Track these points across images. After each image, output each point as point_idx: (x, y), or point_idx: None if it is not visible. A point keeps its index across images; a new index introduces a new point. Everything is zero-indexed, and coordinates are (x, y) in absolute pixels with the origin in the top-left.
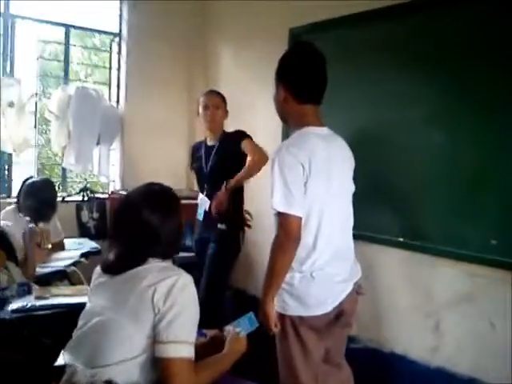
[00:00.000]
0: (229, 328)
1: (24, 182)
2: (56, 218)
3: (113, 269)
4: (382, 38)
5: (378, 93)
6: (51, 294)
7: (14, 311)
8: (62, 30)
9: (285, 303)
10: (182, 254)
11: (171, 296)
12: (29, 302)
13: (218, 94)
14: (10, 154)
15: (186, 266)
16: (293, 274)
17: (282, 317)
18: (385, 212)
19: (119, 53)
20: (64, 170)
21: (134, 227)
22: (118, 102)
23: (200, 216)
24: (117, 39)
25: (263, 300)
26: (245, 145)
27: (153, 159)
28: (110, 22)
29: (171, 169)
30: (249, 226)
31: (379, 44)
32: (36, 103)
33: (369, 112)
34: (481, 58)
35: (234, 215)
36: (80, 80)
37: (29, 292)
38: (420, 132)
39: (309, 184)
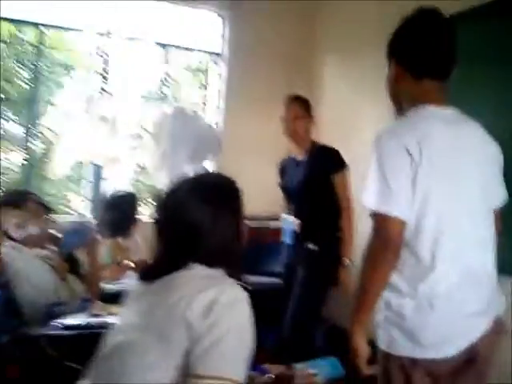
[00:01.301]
0: (301, 367)
1: (108, 195)
2: (137, 235)
3: (148, 274)
4: None
5: None
6: (108, 312)
7: (66, 327)
8: (161, 49)
9: (392, 338)
10: (264, 279)
11: (212, 313)
12: (84, 318)
13: (297, 100)
14: (99, 169)
15: (269, 292)
16: (403, 300)
17: (387, 357)
18: None
19: (220, 73)
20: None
21: (175, 223)
22: (216, 122)
23: (286, 237)
24: (216, 58)
25: (351, 329)
26: (338, 180)
27: (247, 180)
28: (207, 41)
29: (267, 190)
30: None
31: None
32: (132, 121)
33: None
34: None
35: (329, 232)
36: (178, 100)
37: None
38: None
39: (420, 177)
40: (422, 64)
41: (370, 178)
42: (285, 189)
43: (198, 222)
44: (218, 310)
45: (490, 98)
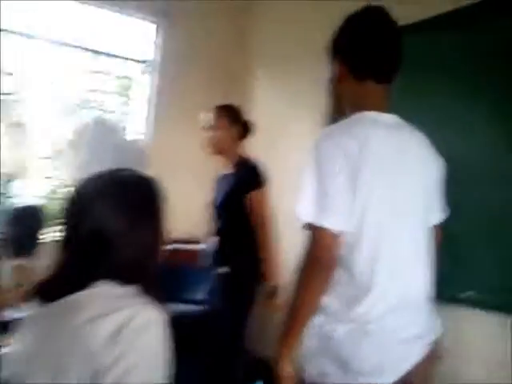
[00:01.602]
0: None
1: (12, 209)
2: (46, 255)
3: (47, 293)
4: None
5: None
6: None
7: None
8: (88, 55)
9: (322, 366)
10: (185, 307)
11: (119, 342)
12: None
13: (218, 109)
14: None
15: (190, 322)
16: (335, 325)
17: None
18: (462, 261)
19: (150, 82)
20: None
21: (78, 229)
22: (144, 134)
23: (209, 260)
24: (146, 67)
25: (277, 355)
26: (254, 198)
27: (173, 198)
28: (139, 49)
29: (193, 210)
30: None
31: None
32: (48, 129)
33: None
34: None
35: (243, 253)
36: (101, 109)
37: None
38: None
39: (359, 186)
40: (367, 65)
41: (304, 186)
42: (210, 205)
43: (106, 228)
44: (127, 337)
45: (434, 109)
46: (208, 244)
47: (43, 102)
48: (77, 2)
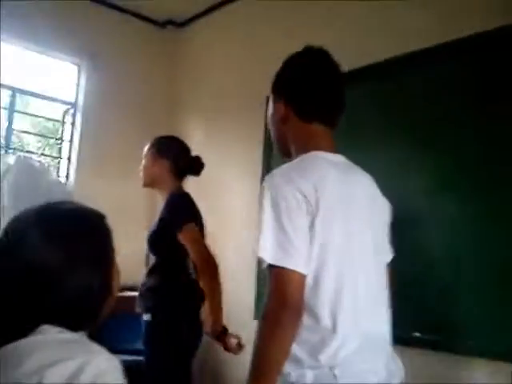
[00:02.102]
0: None
1: None
2: None
3: None
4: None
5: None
6: None
7: None
8: (8, 93)
9: None
10: (125, 357)
11: None
12: None
13: (152, 140)
14: None
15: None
16: (302, 370)
17: None
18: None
19: (73, 124)
20: None
21: (13, 269)
22: (67, 177)
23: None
24: (72, 110)
25: None
26: (183, 239)
27: None
28: (65, 90)
29: (126, 260)
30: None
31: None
32: None
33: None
34: None
35: (165, 291)
36: (26, 151)
37: None
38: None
39: (317, 227)
40: (314, 107)
41: (264, 228)
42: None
43: (43, 265)
44: None
45: (380, 156)
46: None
47: None
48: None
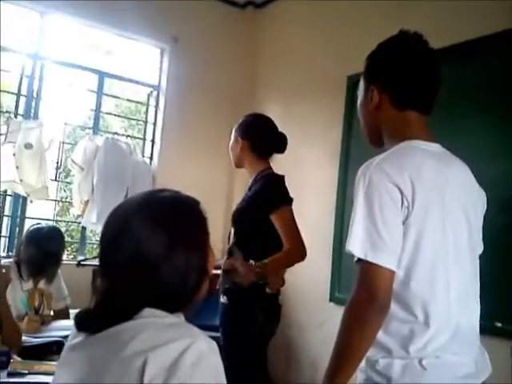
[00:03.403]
0: None
1: (28, 230)
2: (61, 278)
3: (89, 324)
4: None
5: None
6: (31, 371)
7: None
8: (96, 77)
9: None
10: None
11: (176, 375)
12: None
13: (240, 121)
14: (24, 202)
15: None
16: (391, 360)
17: None
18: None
19: (157, 106)
20: (84, 229)
21: (120, 256)
22: (151, 158)
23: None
24: (155, 92)
25: None
26: (276, 219)
27: None
28: (148, 73)
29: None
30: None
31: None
32: (60, 152)
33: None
34: None
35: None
36: (112, 132)
37: (6, 365)
38: None
39: (412, 221)
40: (411, 94)
41: (356, 221)
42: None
43: (148, 251)
44: (184, 370)
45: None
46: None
47: (54, 124)
48: (83, 25)
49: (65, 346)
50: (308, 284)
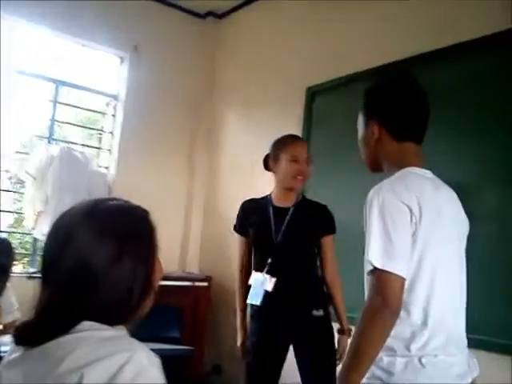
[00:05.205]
0: None
1: None
2: (11, 291)
3: (26, 337)
4: None
5: None
6: None
7: None
8: (52, 85)
9: None
10: (164, 346)
11: None
12: None
13: (305, 143)
14: None
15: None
16: (394, 358)
17: None
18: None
19: (114, 115)
20: (36, 240)
21: (60, 264)
22: (108, 168)
23: (256, 298)
24: (113, 101)
25: None
26: (329, 242)
27: None
28: (108, 82)
29: (164, 246)
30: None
31: None
32: (15, 162)
33: None
34: None
35: (322, 288)
36: (68, 141)
37: None
38: None
39: (419, 235)
40: (406, 127)
41: (372, 235)
42: (258, 239)
43: (92, 261)
44: None
45: None
46: (258, 279)
47: (6, 133)
48: (44, 33)
49: (1, 362)
50: None
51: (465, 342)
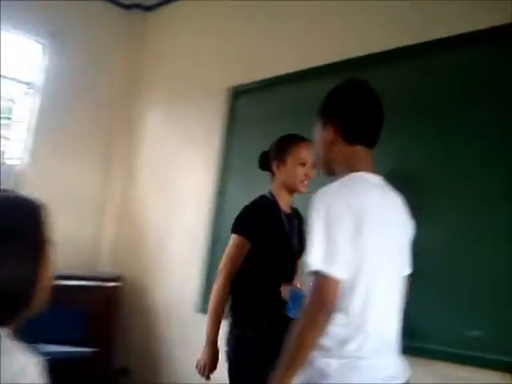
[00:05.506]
0: None
1: None
2: None
3: None
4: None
5: None
6: None
7: None
8: None
9: None
10: (67, 349)
11: None
12: None
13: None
14: None
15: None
16: (329, 359)
17: None
18: None
19: (30, 105)
20: None
21: None
22: (18, 159)
23: (295, 314)
24: (29, 90)
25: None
26: None
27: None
28: (26, 70)
29: (72, 245)
30: None
31: None
32: None
33: None
34: None
35: None
36: None
37: None
38: None
39: (360, 239)
40: (360, 132)
41: (314, 238)
42: (277, 245)
43: None
44: None
45: None
46: (294, 291)
47: None
48: None
49: None
50: (179, 296)
51: (398, 346)
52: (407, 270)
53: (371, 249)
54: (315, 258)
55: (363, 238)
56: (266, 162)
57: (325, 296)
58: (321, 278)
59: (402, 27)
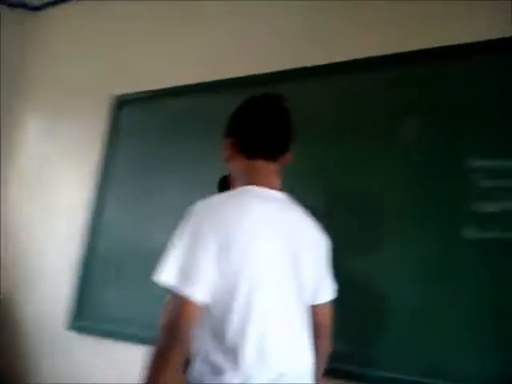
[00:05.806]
0: None
1: None
2: None
3: None
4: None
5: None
6: None
7: None
8: None
9: None
10: None
11: None
12: None
13: None
14: None
15: None
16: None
17: None
18: None
19: None
20: None
21: None
22: None
23: None
24: None
25: None
26: None
27: None
28: None
29: None
30: None
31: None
32: None
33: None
34: None
35: None
36: None
37: None
38: None
39: (233, 256)
40: (254, 144)
41: (172, 250)
42: None
43: None
44: None
45: None
46: None
47: None
48: None
49: None
50: (48, 312)
51: (306, 379)
52: (328, 294)
53: (251, 270)
54: (168, 271)
55: (237, 257)
56: (224, 187)
57: (180, 315)
58: (176, 297)
59: (288, 49)
